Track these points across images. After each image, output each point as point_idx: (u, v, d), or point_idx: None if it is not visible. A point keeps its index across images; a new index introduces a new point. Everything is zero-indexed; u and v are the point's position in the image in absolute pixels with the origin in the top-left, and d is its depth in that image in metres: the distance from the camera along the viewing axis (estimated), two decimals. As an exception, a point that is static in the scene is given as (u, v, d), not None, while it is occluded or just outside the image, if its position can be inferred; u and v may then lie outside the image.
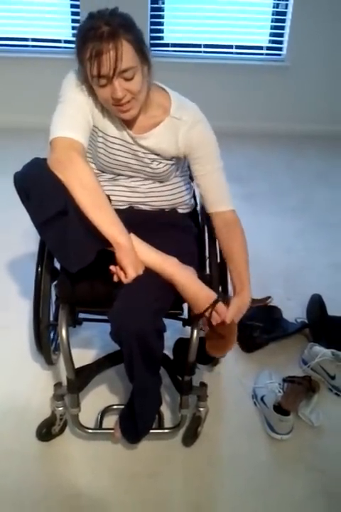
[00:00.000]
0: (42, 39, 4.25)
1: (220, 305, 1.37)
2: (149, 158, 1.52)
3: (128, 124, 1.48)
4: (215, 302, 1.36)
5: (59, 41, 4.24)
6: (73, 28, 4.18)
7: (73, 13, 4.15)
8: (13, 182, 1.31)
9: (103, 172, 1.58)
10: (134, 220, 1.55)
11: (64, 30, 4.25)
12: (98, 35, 1.27)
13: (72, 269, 1.31)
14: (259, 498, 1.50)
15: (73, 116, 1.40)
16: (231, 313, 1.39)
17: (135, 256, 1.32)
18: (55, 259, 1.63)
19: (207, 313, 1.36)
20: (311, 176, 3.73)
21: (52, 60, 4.18)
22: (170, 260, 1.37)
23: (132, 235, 1.34)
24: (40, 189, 1.28)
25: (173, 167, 1.57)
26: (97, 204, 1.30)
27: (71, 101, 1.41)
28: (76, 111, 1.41)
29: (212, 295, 1.38)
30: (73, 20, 4.17)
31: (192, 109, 1.51)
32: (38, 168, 1.33)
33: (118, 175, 1.57)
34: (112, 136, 1.50)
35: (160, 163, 1.54)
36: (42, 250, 1.62)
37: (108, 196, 1.36)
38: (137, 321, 1.27)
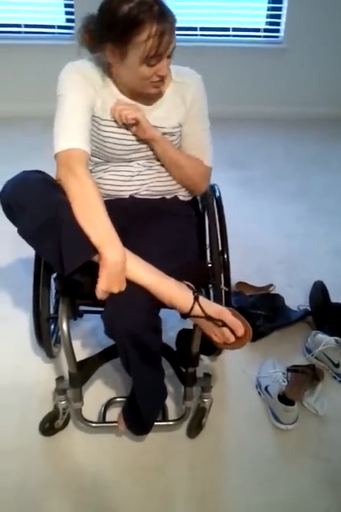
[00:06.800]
0: (35, 25, 4.17)
1: (203, 299, 1.30)
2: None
3: (141, 99, 1.49)
4: (196, 298, 1.28)
5: (52, 27, 4.15)
6: (67, 13, 4.08)
7: (66, -2, 4.07)
8: None
9: (108, 162, 1.55)
10: (135, 209, 1.53)
11: (57, 15, 4.14)
12: (155, 14, 1.26)
13: (65, 273, 1.26)
14: (265, 489, 1.49)
15: (72, 121, 1.38)
16: None
17: (118, 274, 1.25)
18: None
19: (192, 313, 1.29)
20: (309, 159, 3.70)
21: (46, 46, 4.12)
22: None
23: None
24: (27, 202, 1.26)
25: (180, 139, 1.58)
26: (91, 217, 1.26)
27: (70, 103, 1.39)
28: (75, 113, 1.39)
29: (189, 295, 1.29)
30: (66, 5, 4.07)
31: (190, 70, 1.58)
32: (22, 182, 1.31)
33: (129, 161, 1.54)
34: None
35: (172, 136, 1.54)
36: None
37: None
38: (129, 322, 1.24)
